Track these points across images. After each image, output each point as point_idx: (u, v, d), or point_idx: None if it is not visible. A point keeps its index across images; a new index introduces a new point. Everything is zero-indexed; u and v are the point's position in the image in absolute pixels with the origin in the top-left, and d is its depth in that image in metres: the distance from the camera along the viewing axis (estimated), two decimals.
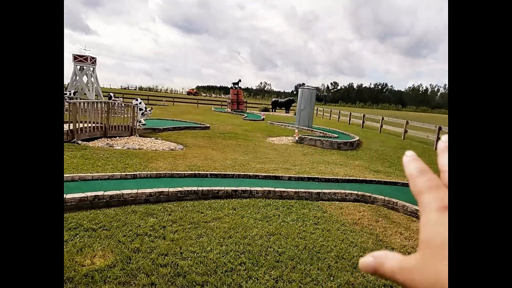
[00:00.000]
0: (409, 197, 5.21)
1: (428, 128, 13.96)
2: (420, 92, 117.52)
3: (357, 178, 6.26)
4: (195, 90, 77.33)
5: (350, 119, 21.57)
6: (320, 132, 13.63)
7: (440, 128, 12.26)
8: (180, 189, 4.62)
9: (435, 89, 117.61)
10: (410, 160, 0.29)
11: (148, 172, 5.54)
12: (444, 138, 0.31)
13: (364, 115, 19.80)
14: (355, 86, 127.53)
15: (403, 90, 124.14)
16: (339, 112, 24.94)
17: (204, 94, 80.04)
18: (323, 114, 28.80)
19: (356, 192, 5.15)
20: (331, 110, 27.63)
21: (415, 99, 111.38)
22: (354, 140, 11.47)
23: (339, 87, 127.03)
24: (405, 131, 14.50)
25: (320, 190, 5.07)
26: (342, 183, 5.96)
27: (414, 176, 0.28)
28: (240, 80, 28.18)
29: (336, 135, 12.67)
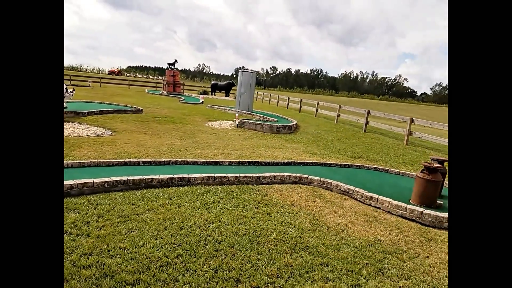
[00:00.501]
0: (341, 177, 5.55)
1: (358, 112, 15.11)
2: (351, 79, 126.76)
3: (295, 161, 6.46)
4: (118, 69, 68.62)
5: (288, 104, 22.24)
6: (260, 116, 13.77)
7: (368, 112, 13.34)
8: (107, 179, 4.20)
9: (364, 76, 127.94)
10: None
11: (69, 162, 4.93)
12: None
13: (301, 100, 20.58)
14: (293, 72, 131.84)
15: (336, 76, 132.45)
16: (278, 96, 25.54)
17: (128, 74, 72.06)
18: (262, 98, 29.19)
19: (294, 174, 5.30)
20: (270, 95, 28.13)
21: (347, 85, 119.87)
22: (292, 124, 11.84)
23: (278, 72, 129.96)
24: (338, 115, 15.47)
25: (260, 174, 5.09)
26: (281, 166, 6.09)
27: None
28: (176, 61, 26.85)
29: (275, 119, 12.93)
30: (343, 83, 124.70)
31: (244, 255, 2.85)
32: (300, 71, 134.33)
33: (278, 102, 24.86)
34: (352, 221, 3.87)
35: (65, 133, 7.50)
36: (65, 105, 10.87)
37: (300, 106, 20.14)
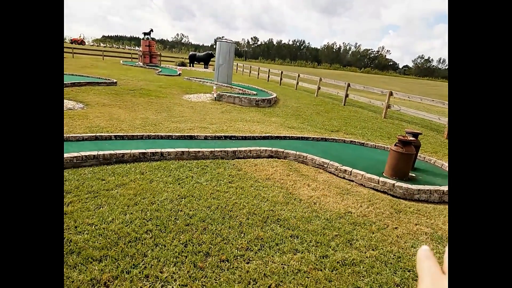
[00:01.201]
0: (317, 151, 5.63)
1: (338, 85, 15.15)
2: (334, 50, 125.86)
3: (273, 135, 6.46)
4: (81, 38, 65.80)
5: (269, 76, 21.96)
6: (239, 89, 13.55)
7: (348, 85, 13.39)
8: (76, 154, 4.06)
9: (347, 48, 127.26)
10: (424, 256, 0.39)
11: None
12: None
13: (282, 72, 20.34)
14: (275, 42, 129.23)
15: (319, 47, 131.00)
16: (259, 68, 25.10)
17: (93, 44, 68.88)
18: (243, 70, 28.63)
19: (270, 148, 5.31)
20: (250, 67, 27.61)
21: (329, 57, 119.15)
22: (271, 97, 11.74)
23: (259, 43, 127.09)
24: (318, 88, 15.46)
25: (236, 148, 5.06)
26: (258, 141, 6.08)
27: (421, 260, 0.39)
28: (152, 30, 25.56)
29: (255, 92, 12.78)
30: (325, 54, 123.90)
31: (215, 229, 2.87)
32: (282, 42, 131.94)
33: (258, 74, 24.49)
34: (324, 194, 3.96)
35: None
36: None
37: (281, 79, 19.94)
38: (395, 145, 4.69)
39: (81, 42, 62.22)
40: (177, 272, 2.28)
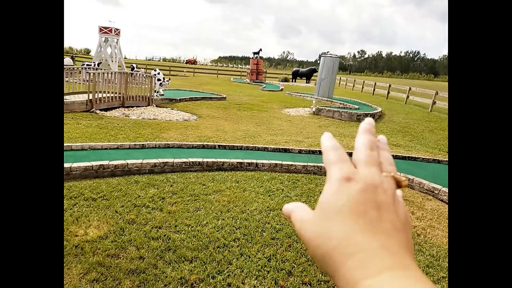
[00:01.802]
0: (427, 174, 4.85)
1: None
2: None
3: None
4: (194, 58, 76.03)
5: (374, 90, 20.49)
6: (340, 103, 13.04)
7: None
8: (185, 160, 4.53)
9: None
10: (326, 138, 0.32)
11: (157, 142, 5.50)
12: (369, 121, 0.33)
13: (389, 85, 18.70)
14: (383, 55, 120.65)
15: (436, 58, 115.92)
16: (363, 82, 23.73)
17: (221, 65, 77.81)
18: (346, 84, 27.58)
19: None
20: (354, 80, 26.37)
21: None
22: (375, 111, 10.89)
23: (366, 56, 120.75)
24: (434, 103, 13.54)
25: None
26: None
27: (327, 149, 0.31)
28: (260, 50, 27.27)
29: (357, 106, 12.08)
30: (444, 65, 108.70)
31: (300, 248, 2.73)
32: (393, 54, 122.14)
33: (362, 88, 23.15)
34: (432, 225, 3.34)
35: (159, 117, 8.39)
36: (161, 92, 12.19)
37: (388, 92, 18.33)
38: None
39: (194, 62, 72.00)
40: (258, 287, 2.23)
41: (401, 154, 5.96)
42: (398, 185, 0.29)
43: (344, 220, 0.25)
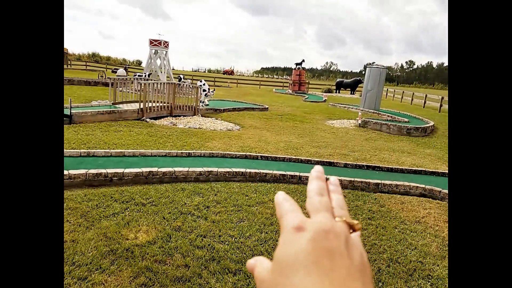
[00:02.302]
0: None
1: None
2: None
3: (427, 170, 5.49)
4: (231, 69, 76.00)
5: (425, 102, 19.27)
6: (388, 116, 12.43)
7: None
8: (228, 169, 4.58)
9: None
10: (279, 193, 0.32)
11: (202, 151, 5.64)
12: (318, 168, 0.34)
13: (442, 98, 17.46)
14: (434, 65, 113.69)
15: None
16: (413, 94, 22.46)
17: (262, 76, 78.37)
18: (393, 96, 26.31)
19: (423, 185, 4.49)
20: (403, 92, 25.07)
21: None
22: (427, 125, 10.18)
23: (415, 66, 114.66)
24: None
25: (379, 181, 4.55)
26: (407, 174, 5.29)
27: (279, 203, 0.31)
28: (303, 61, 27.19)
29: (406, 119, 11.41)
30: None
31: None
32: (444, 65, 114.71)
33: (412, 100, 21.89)
34: None
35: (203, 127, 8.66)
36: (207, 102, 12.62)
37: (441, 105, 17.10)
38: None
39: (231, 72, 72.03)
40: None
41: None
42: (352, 228, 0.28)
43: (297, 273, 0.24)
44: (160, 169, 4.30)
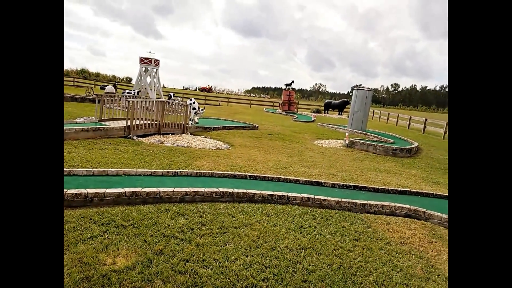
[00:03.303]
0: None
1: None
2: None
3: (411, 190, 5.50)
4: (209, 86, 67.44)
5: (409, 123, 19.73)
6: (374, 136, 12.61)
7: None
8: (215, 190, 4.48)
9: None
10: None
11: (189, 171, 5.53)
12: None
13: (426, 120, 17.92)
14: (418, 88, 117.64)
15: None
16: (398, 115, 23.01)
17: (253, 95, 77.06)
18: (379, 117, 26.88)
19: (408, 206, 4.48)
20: (388, 113, 25.67)
21: None
22: (412, 146, 10.35)
23: (400, 89, 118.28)
24: None
25: (366, 201, 4.52)
26: (393, 195, 5.28)
27: None
28: (293, 81, 27.79)
29: (392, 140, 11.59)
30: None
31: None
32: (427, 88, 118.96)
33: (397, 121, 22.40)
34: None
35: (192, 145, 8.55)
36: (196, 121, 12.58)
37: (424, 127, 17.53)
38: None
39: (209, 90, 63.91)
40: None
41: (442, 194, 5.48)
42: None
43: None
44: (144, 189, 4.16)
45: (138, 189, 4.13)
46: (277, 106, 30.25)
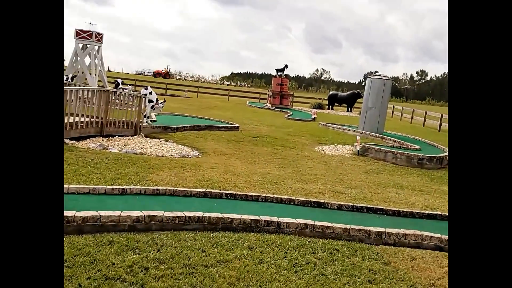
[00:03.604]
0: None
1: None
2: None
3: (443, 214, 5.66)
4: (166, 70, 68.14)
5: (440, 124, 20.32)
6: (394, 141, 12.94)
7: None
8: (179, 214, 4.45)
9: None
10: None
11: (143, 187, 5.48)
12: None
13: None
14: None
15: None
16: (425, 113, 23.66)
17: (234, 84, 77.51)
18: (401, 115, 27.55)
19: (438, 235, 4.60)
20: (413, 110, 26.36)
21: None
22: (444, 154, 10.66)
23: (428, 78, 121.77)
24: None
25: (383, 229, 4.61)
26: (419, 219, 5.43)
27: None
28: (286, 66, 28.07)
29: (418, 146, 11.91)
30: None
31: None
32: None
33: (424, 121, 23.03)
34: None
35: (148, 152, 8.50)
36: (154, 118, 12.49)
37: None
38: None
39: (166, 75, 63.92)
40: None
41: None
42: None
43: None
44: (78, 213, 4.09)
45: (70, 213, 4.05)
46: (265, 99, 30.49)
